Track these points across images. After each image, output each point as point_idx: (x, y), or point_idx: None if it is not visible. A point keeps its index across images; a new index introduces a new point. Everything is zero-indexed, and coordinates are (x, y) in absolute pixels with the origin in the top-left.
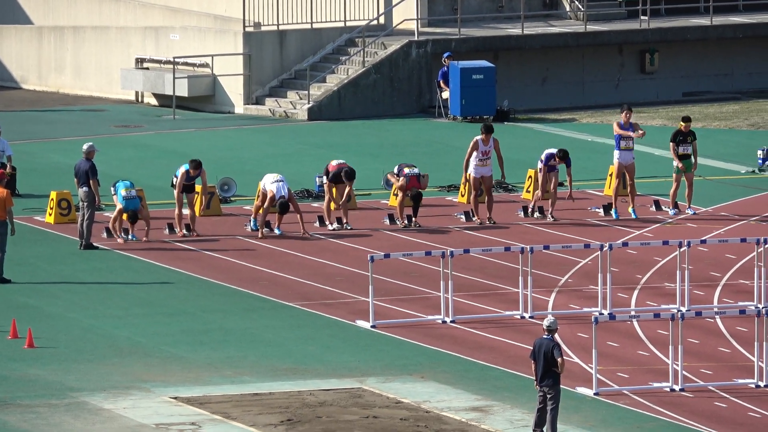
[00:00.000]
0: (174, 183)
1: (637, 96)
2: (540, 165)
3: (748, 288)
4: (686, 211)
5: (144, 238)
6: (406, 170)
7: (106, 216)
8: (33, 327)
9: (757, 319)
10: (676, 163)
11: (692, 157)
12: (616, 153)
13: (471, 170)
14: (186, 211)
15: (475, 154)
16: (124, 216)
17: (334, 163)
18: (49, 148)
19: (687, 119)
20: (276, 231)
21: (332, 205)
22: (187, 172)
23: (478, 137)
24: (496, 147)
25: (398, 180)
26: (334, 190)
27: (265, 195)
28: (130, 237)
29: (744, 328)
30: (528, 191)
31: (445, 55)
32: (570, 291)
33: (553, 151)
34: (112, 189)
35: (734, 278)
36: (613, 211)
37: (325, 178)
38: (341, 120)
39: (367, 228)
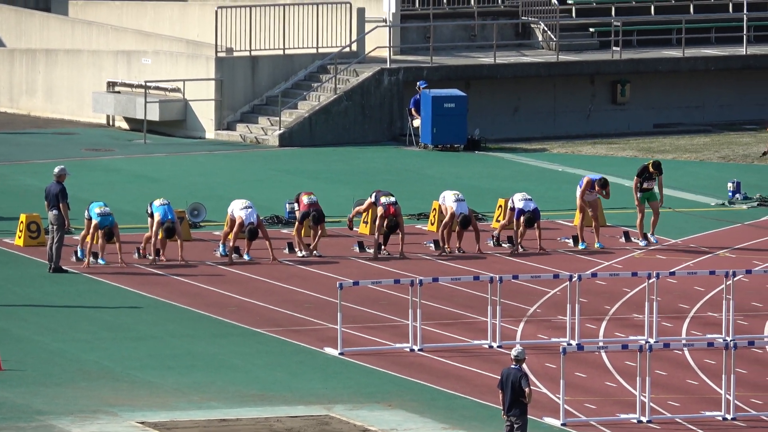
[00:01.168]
0: (149, 213)
1: (608, 127)
2: (510, 205)
3: (716, 320)
4: (649, 238)
5: (120, 262)
6: (383, 199)
7: (76, 239)
8: (1, 350)
9: (725, 352)
10: (636, 196)
11: (655, 189)
12: (579, 191)
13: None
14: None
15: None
16: (98, 236)
17: (305, 200)
18: (19, 171)
19: (657, 166)
20: (245, 257)
21: (302, 232)
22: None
23: (455, 212)
24: (474, 225)
25: (375, 207)
26: (304, 224)
27: (233, 221)
28: (99, 261)
29: (712, 361)
30: (498, 220)
31: (420, 84)
32: (538, 321)
33: (525, 209)
34: (86, 212)
35: (703, 311)
36: (580, 243)
37: (296, 205)
38: (312, 147)
39: (337, 255)
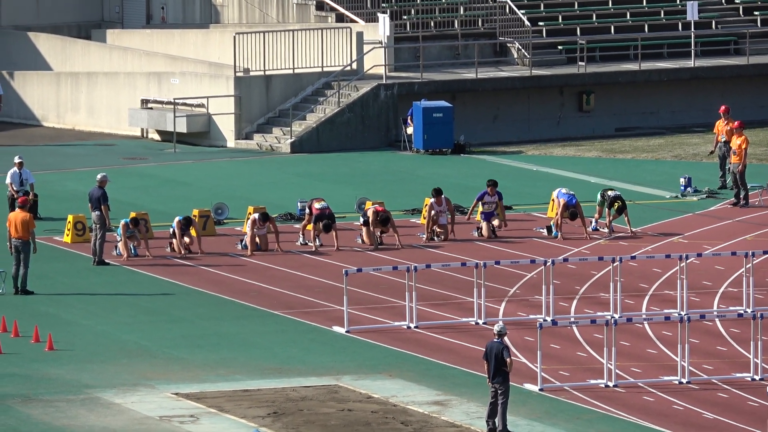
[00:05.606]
0: (173, 234)
1: (575, 131)
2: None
3: (672, 298)
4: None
5: (147, 255)
6: (369, 204)
7: (116, 236)
8: (53, 332)
9: (680, 325)
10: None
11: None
12: (557, 207)
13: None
14: (186, 239)
15: (432, 212)
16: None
17: (317, 205)
18: (65, 178)
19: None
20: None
21: (309, 227)
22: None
23: (432, 200)
24: (449, 206)
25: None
26: (315, 227)
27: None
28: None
29: (669, 333)
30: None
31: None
32: (518, 300)
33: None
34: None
35: (660, 289)
36: (554, 232)
37: (307, 210)
38: (319, 153)
39: (342, 246)
